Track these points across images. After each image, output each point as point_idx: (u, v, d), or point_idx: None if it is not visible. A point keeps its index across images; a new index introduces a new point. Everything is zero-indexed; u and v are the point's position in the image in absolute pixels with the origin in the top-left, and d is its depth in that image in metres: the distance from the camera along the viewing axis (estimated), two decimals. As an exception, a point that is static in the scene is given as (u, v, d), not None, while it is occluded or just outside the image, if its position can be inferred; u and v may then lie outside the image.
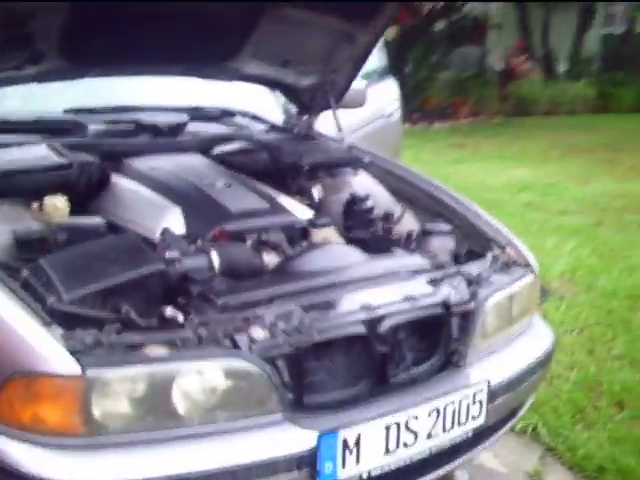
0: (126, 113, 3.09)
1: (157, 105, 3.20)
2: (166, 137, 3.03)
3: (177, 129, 3.08)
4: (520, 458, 3.02)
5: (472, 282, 2.45)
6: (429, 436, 2.19)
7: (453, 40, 12.37)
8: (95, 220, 2.41)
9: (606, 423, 3.22)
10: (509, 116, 13.28)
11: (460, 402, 2.25)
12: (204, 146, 3.07)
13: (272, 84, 3.35)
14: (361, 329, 2.13)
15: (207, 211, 2.54)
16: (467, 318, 2.36)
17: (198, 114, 3.25)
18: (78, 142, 2.80)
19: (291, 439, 1.98)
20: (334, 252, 2.46)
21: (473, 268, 2.55)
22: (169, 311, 2.09)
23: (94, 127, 2.97)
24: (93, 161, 2.67)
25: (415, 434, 2.15)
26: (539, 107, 13.49)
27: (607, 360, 3.78)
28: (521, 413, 2.69)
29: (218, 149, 3.08)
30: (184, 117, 3.14)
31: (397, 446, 2.12)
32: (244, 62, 3.05)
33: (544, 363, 2.65)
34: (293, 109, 3.59)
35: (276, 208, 2.64)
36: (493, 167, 9.06)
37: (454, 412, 2.23)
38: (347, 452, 2.02)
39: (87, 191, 2.65)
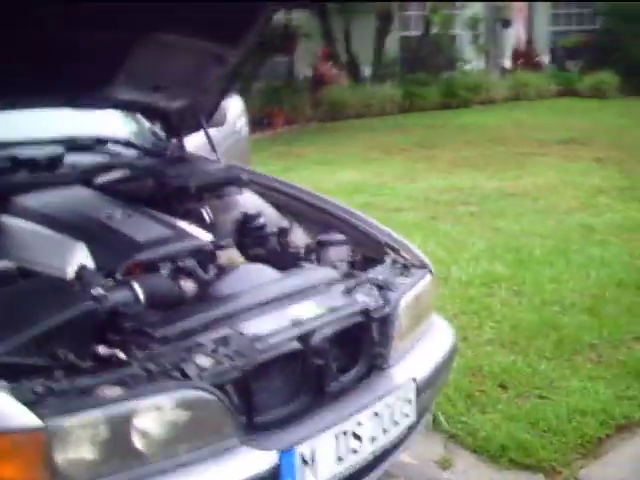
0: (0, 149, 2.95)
1: (29, 138, 3.07)
2: (45, 171, 2.92)
3: (55, 162, 2.98)
4: (426, 449, 3.14)
5: (382, 287, 2.55)
6: (372, 440, 2.26)
7: (264, 50, 12.54)
8: (5, 264, 2.29)
9: (496, 404, 3.44)
10: (324, 121, 13.63)
11: (395, 403, 2.34)
12: (85, 177, 2.98)
13: (142, 109, 3.32)
14: (297, 345, 2.18)
15: (114, 244, 2.49)
16: (385, 322, 2.46)
17: (72, 145, 3.15)
18: None
19: (252, 461, 1.99)
20: (250, 272, 2.49)
21: (378, 274, 2.66)
22: (102, 350, 2.05)
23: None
24: None
25: (360, 439, 2.22)
26: (351, 111, 13.93)
27: (480, 345, 4.02)
28: (432, 408, 2.83)
29: (100, 179, 3.01)
30: (60, 149, 3.04)
31: (347, 453, 2.18)
32: (117, 89, 3.00)
33: (452, 356, 2.80)
34: (159, 133, 3.57)
35: (181, 234, 2.63)
36: (320, 172, 9.28)
37: (391, 413, 2.33)
38: (305, 466, 2.06)
39: None
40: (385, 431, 2.31)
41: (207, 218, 2.95)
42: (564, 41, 18.62)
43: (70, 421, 1.76)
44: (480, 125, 12.76)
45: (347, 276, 2.58)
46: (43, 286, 2.20)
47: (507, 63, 17.16)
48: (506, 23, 16.66)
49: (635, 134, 11.34)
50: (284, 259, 2.75)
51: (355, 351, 2.40)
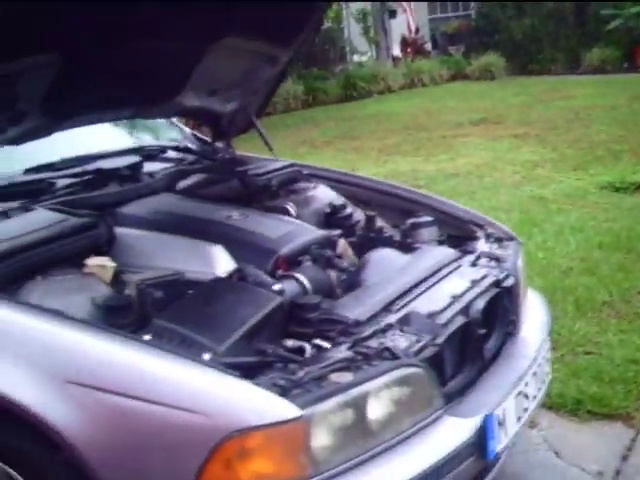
0: (83, 163, 2.91)
1: (104, 150, 3.05)
2: (129, 181, 2.91)
3: (136, 171, 2.97)
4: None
5: (498, 259, 2.69)
6: (534, 398, 2.41)
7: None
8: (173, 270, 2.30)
9: (552, 364, 3.64)
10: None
11: (542, 363, 2.50)
12: (169, 184, 2.99)
13: (198, 114, 3.33)
14: (463, 317, 2.29)
15: (249, 243, 2.52)
16: (512, 291, 2.61)
17: (141, 154, 3.14)
18: (70, 200, 2.61)
19: (461, 428, 2.09)
20: (387, 257, 2.57)
21: (484, 248, 2.80)
22: (291, 342, 2.11)
23: (61, 182, 2.78)
24: (106, 216, 2.53)
25: (528, 398, 2.36)
26: (257, 110, 13.95)
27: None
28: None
29: (182, 184, 3.02)
30: (136, 158, 3.03)
31: (522, 412, 2.31)
32: (183, 97, 3.02)
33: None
34: (200, 136, 3.60)
35: (304, 227, 2.68)
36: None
37: (541, 372, 2.48)
38: (500, 428, 2.18)
39: (106, 248, 2.50)
40: (539, 389, 2.46)
41: (293, 212, 3.01)
42: (445, 27, 19.27)
43: (322, 408, 1.82)
44: (389, 114, 13.05)
45: (465, 252, 2.71)
46: (223, 287, 2.22)
47: (396, 52, 17.60)
48: (392, 14, 17.09)
49: (538, 109, 11.92)
50: (382, 244, 2.84)
51: (492, 320, 2.53)
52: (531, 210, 6.45)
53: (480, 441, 2.10)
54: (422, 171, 8.34)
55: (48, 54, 2.33)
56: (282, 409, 1.76)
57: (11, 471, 1.95)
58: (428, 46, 19.14)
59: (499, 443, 2.16)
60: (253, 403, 1.77)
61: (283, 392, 1.80)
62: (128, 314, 2.11)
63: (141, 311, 2.13)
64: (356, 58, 17.46)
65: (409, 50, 17.58)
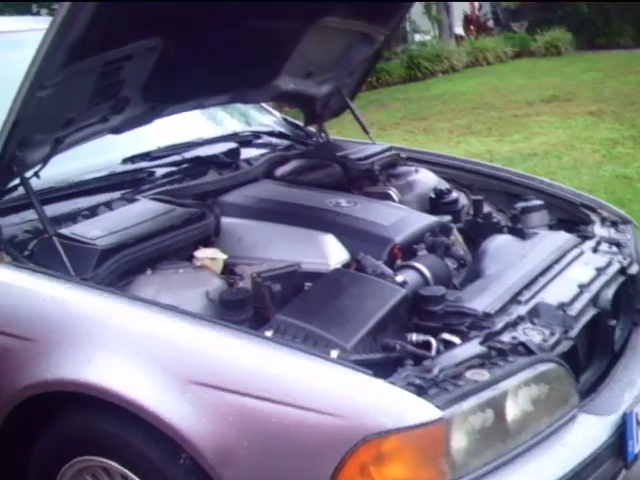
0: (180, 151, 2.84)
1: (200, 138, 2.97)
2: (228, 168, 2.83)
3: (235, 158, 2.89)
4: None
5: (618, 244, 2.54)
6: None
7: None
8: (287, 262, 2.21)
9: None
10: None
11: None
12: (268, 171, 2.90)
13: (294, 98, 3.23)
14: (594, 309, 2.16)
15: (363, 231, 2.42)
16: (635, 278, 2.46)
17: (236, 140, 3.06)
18: (171, 190, 2.55)
19: (599, 427, 1.97)
20: (505, 244, 2.45)
21: (602, 232, 2.65)
22: (416, 336, 2.00)
23: (160, 172, 2.71)
24: (213, 206, 2.45)
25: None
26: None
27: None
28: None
29: (281, 170, 2.93)
30: (233, 145, 2.95)
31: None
32: (281, 80, 2.93)
33: None
34: (290, 120, 3.50)
35: (416, 214, 2.58)
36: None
37: None
38: (638, 426, 2.05)
39: (213, 239, 2.43)
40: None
41: (396, 198, 2.90)
42: (508, 3, 18.82)
43: (461, 409, 1.71)
44: (456, 93, 12.80)
45: (584, 237, 2.57)
46: (344, 279, 2.12)
47: (459, 30, 17.27)
48: (454, -9, 16.75)
49: (611, 85, 11.56)
50: (493, 230, 2.71)
51: (617, 309, 2.38)
52: (617, 190, 6.22)
53: (619, 441, 1.97)
54: (497, 152, 8.14)
55: (152, 39, 2.25)
56: (421, 410, 1.66)
57: (130, 474, 1.89)
58: (490, 23, 18.74)
59: (636, 443, 2.03)
60: (390, 404, 1.66)
61: (420, 392, 1.69)
62: (246, 309, 2.02)
63: (259, 306, 2.04)
64: (418, 37, 17.15)
65: (472, 28, 17.22)
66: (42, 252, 2.12)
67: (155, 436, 1.79)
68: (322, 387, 1.70)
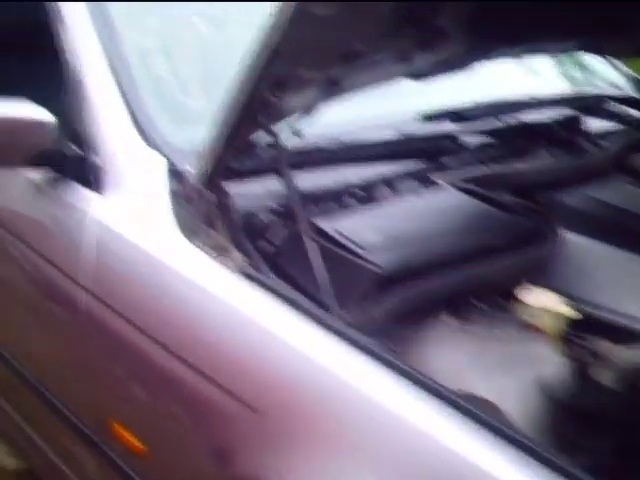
0: (499, 112, 1.95)
1: (526, 97, 2.05)
2: (566, 148, 1.91)
3: (577, 133, 1.96)
4: None
5: None
6: None
7: None
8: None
9: None
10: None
11: None
12: (621, 158, 1.95)
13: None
14: None
15: None
16: None
17: (578, 106, 2.12)
18: (485, 176, 1.69)
19: None
20: None
21: None
22: None
23: (470, 142, 1.84)
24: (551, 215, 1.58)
25: None
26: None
27: None
28: None
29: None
30: (571, 112, 2.02)
31: None
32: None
33: None
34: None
35: None
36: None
37: None
38: None
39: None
40: None
41: None
42: None
43: None
44: None
45: None
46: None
47: None
48: None
49: None
50: None
51: None
52: None
53: None
54: None
55: None
56: None
57: None
58: None
59: None
60: None
61: None
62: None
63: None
64: None
65: None
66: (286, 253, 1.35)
67: None
68: None
